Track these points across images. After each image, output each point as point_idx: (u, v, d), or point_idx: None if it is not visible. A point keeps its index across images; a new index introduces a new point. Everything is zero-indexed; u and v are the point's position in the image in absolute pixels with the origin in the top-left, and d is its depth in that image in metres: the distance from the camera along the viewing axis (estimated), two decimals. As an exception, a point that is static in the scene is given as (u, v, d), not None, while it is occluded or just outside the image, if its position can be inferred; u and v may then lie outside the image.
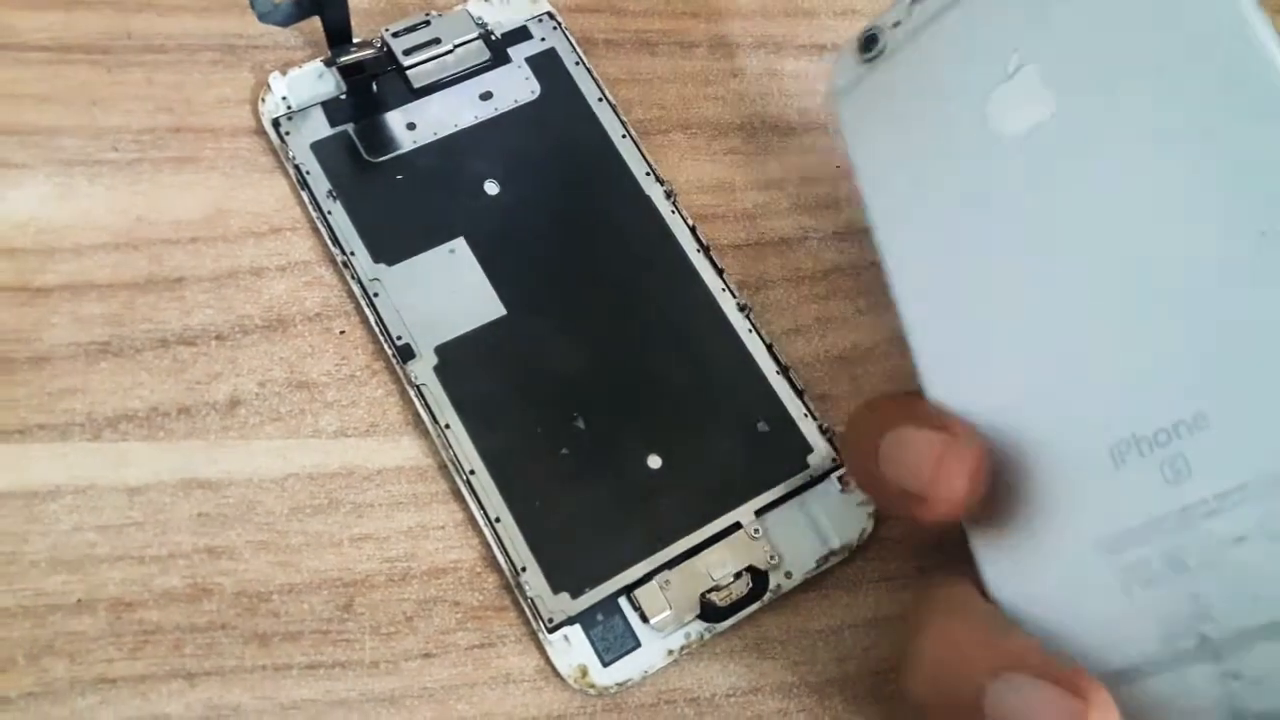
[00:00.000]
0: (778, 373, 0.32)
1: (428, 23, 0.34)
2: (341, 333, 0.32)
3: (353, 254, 0.32)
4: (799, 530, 0.31)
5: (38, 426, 0.30)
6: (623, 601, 0.30)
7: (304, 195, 0.33)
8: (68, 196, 0.32)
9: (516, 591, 0.29)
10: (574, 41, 0.35)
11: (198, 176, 0.33)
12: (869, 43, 0.28)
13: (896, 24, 0.27)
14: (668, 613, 0.29)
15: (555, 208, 0.33)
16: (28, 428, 0.30)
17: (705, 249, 0.33)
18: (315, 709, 0.28)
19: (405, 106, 0.34)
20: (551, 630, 0.29)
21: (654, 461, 0.31)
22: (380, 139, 0.33)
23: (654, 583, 0.30)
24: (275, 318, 0.32)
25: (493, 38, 0.35)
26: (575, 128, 0.34)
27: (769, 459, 0.31)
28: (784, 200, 0.35)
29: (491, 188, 0.33)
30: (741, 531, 0.31)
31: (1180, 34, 0.23)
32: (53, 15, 0.34)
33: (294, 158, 0.33)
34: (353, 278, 0.32)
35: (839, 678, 0.30)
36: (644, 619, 0.29)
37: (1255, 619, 0.22)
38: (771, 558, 0.30)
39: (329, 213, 0.32)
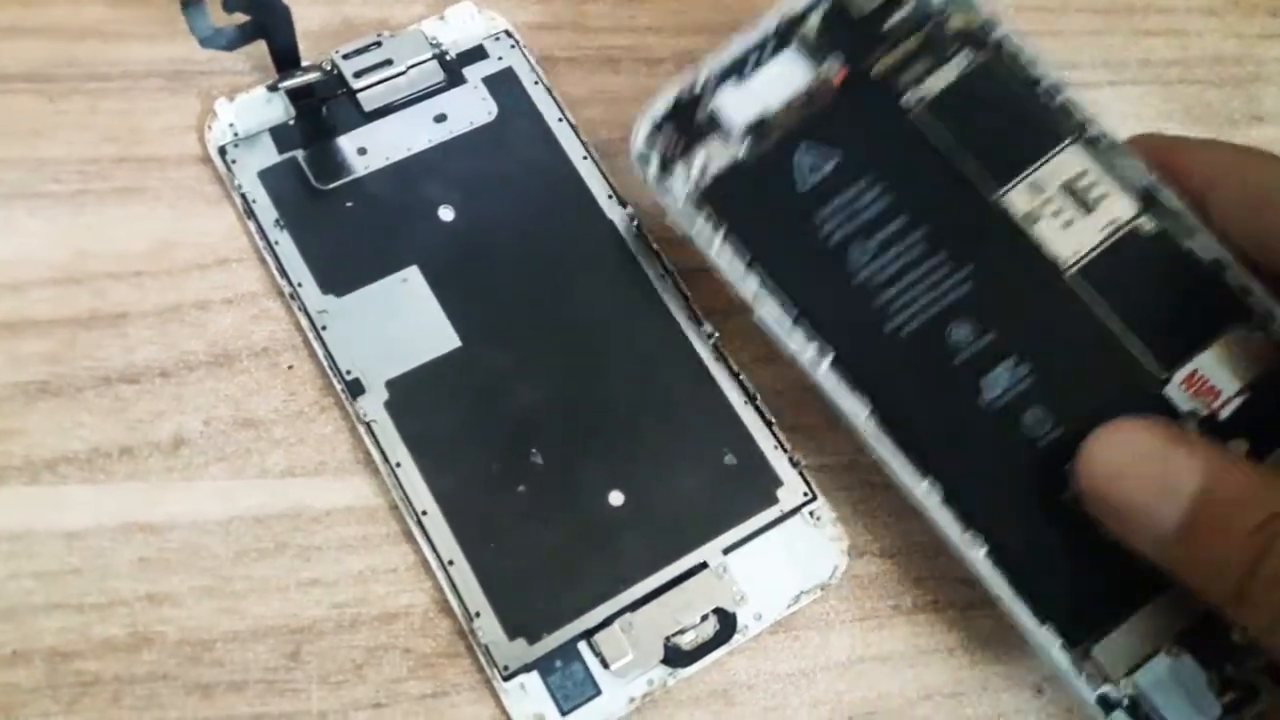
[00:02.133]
0: (746, 403, 0.31)
1: (379, 44, 0.33)
2: (289, 368, 0.31)
3: (300, 285, 0.31)
4: (769, 568, 0.29)
5: (-28, 470, 0.29)
6: (583, 647, 0.28)
7: (251, 225, 0.31)
8: (6, 231, 0.31)
9: (470, 637, 0.28)
10: (533, 60, 0.34)
11: (143, 208, 0.32)
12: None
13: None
14: (630, 657, 0.28)
15: (513, 234, 0.32)
16: (-38, 472, 0.29)
17: (670, 274, 0.32)
18: (259, 764, 0.27)
19: (356, 131, 0.33)
20: (507, 678, 0.28)
21: (615, 498, 0.30)
22: (330, 165, 0.32)
23: (615, 626, 0.28)
24: (221, 353, 0.31)
25: (447, 58, 0.34)
26: (534, 150, 0.33)
27: (736, 494, 0.30)
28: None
29: (446, 214, 0.32)
30: (708, 571, 0.29)
31: None
32: (-6, 43, 0.33)
33: (240, 186, 0.32)
34: (300, 310, 0.31)
35: (811, 724, 0.29)
36: (605, 664, 0.28)
37: None
38: (739, 598, 0.29)
39: (276, 243, 0.31)
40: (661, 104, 0.29)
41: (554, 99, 0.34)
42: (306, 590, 0.29)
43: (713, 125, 0.29)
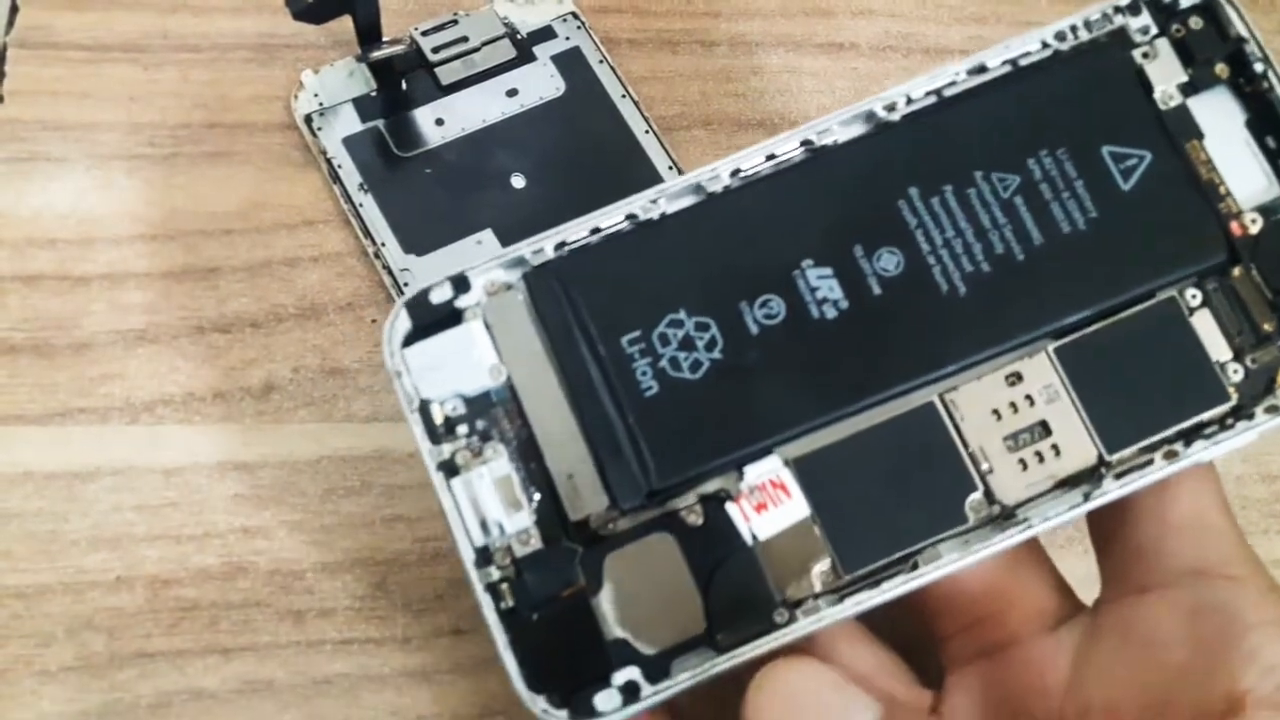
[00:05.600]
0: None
1: (455, 22, 0.35)
2: (373, 321, 0.33)
3: (384, 245, 0.33)
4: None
5: (78, 410, 0.31)
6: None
7: (336, 189, 0.34)
8: (106, 189, 0.33)
9: (544, 571, 0.30)
10: (598, 41, 0.36)
11: (232, 170, 0.34)
12: None
13: None
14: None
15: (580, 201, 0.34)
16: (68, 411, 0.31)
17: (727, 241, 0.34)
18: (348, 683, 0.29)
19: (434, 103, 0.35)
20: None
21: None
22: (409, 134, 0.34)
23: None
24: (308, 306, 0.33)
25: (518, 36, 0.36)
26: (599, 123, 0.35)
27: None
28: (803, 194, 0.36)
29: (518, 181, 0.34)
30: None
31: None
32: (92, 15, 0.35)
33: (326, 152, 0.34)
34: (384, 268, 0.33)
35: None
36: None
37: None
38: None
39: (360, 205, 0.33)
40: None
41: (617, 77, 0.36)
42: (391, 525, 0.31)
43: None
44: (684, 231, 0.24)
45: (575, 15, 0.37)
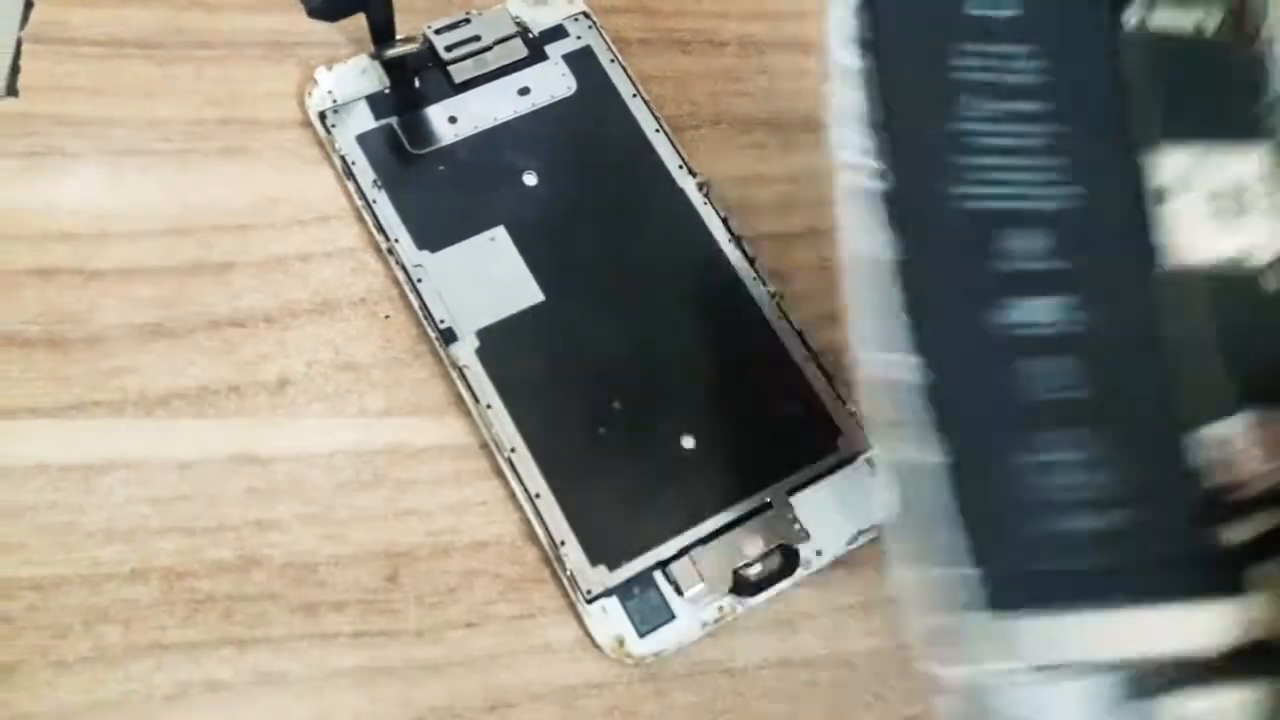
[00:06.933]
0: (808, 358, 0.33)
1: (468, 21, 0.36)
2: (386, 317, 0.33)
3: (397, 241, 0.33)
4: (829, 510, 0.32)
5: (93, 403, 0.31)
6: (658, 575, 0.31)
7: (349, 185, 0.34)
8: (120, 184, 0.33)
9: (555, 564, 0.30)
10: (609, 40, 0.37)
11: (245, 167, 0.34)
12: None
13: None
14: (701, 586, 0.30)
15: (592, 199, 0.35)
16: (83, 404, 0.31)
17: (737, 239, 0.34)
18: (361, 676, 0.29)
19: (446, 101, 0.35)
20: (590, 601, 0.30)
21: (688, 442, 0.32)
22: (423, 132, 0.35)
23: (688, 558, 0.31)
24: (322, 302, 0.33)
25: (530, 36, 0.36)
26: (610, 122, 0.36)
27: (800, 441, 0.32)
28: (812, 192, 0.36)
29: (530, 179, 0.35)
30: (772, 511, 0.31)
31: None
32: (106, 11, 0.35)
33: (340, 149, 0.34)
34: (397, 264, 0.33)
35: (867, 651, 0.31)
36: (679, 592, 0.30)
37: None
38: (802, 535, 0.31)
39: (374, 202, 0.33)
40: None
41: (628, 76, 0.36)
42: (403, 519, 0.31)
43: None
44: None
45: (586, 15, 0.37)
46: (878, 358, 0.23)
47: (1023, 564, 0.23)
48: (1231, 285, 0.25)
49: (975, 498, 0.22)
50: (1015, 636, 0.22)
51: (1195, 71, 0.26)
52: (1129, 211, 0.25)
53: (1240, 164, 0.25)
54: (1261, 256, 0.25)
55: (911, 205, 0.24)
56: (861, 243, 0.24)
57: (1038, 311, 0.24)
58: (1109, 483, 0.23)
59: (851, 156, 0.25)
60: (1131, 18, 0.26)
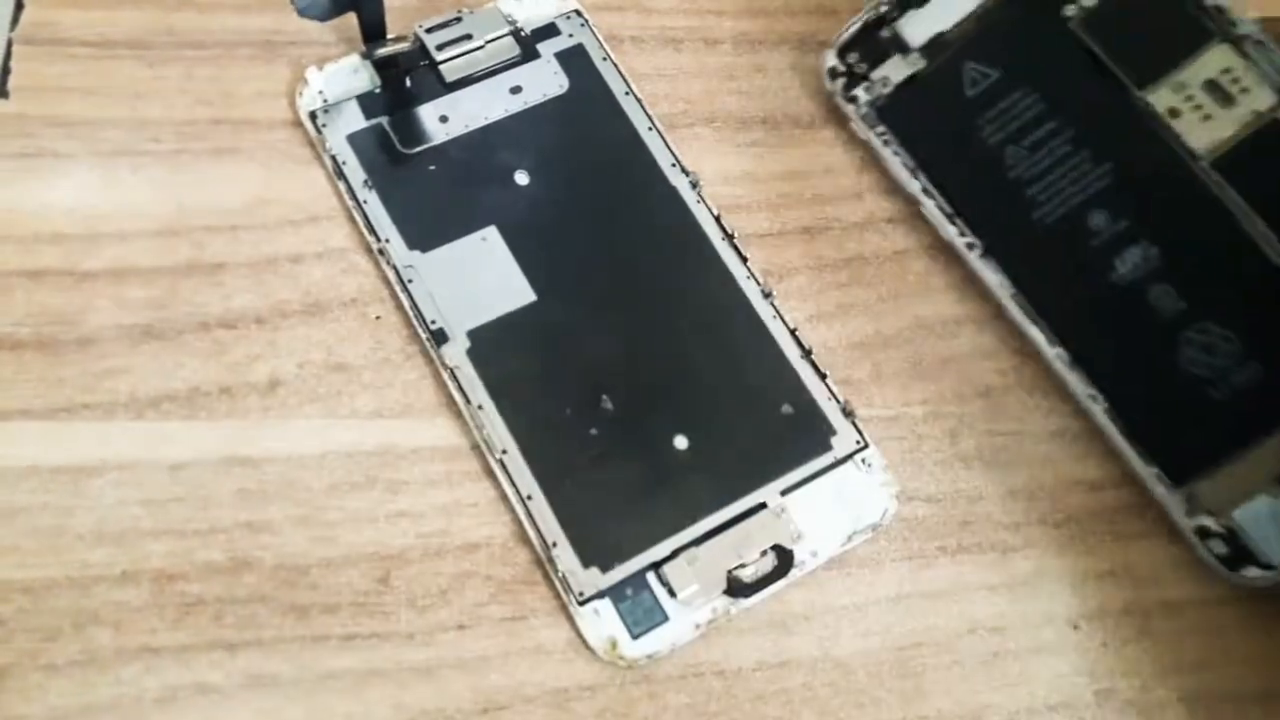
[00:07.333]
0: (801, 358, 0.33)
1: (459, 19, 0.35)
2: (377, 318, 0.33)
3: (387, 241, 0.33)
4: (823, 510, 0.32)
5: (83, 405, 0.31)
6: (651, 577, 0.30)
7: (340, 185, 0.34)
8: (112, 185, 0.33)
9: (548, 566, 0.30)
10: (601, 38, 0.36)
11: (237, 167, 0.34)
12: None
13: None
14: (695, 587, 0.30)
15: (584, 198, 0.34)
16: (74, 406, 0.31)
17: (730, 237, 0.34)
18: (352, 678, 0.29)
19: (437, 100, 0.35)
20: (582, 603, 0.30)
21: (680, 442, 0.32)
22: (414, 131, 0.34)
23: (681, 559, 0.30)
24: (313, 302, 0.33)
25: (522, 34, 0.36)
26: (603, 121, 0.35)
27: (793, 441, 0.32)
28: (806, 191, 0.36)
29: (522, 178, 0.34)
30: (767, 511, 0.31)
31: None
32: (97, 12, 0.35)
33: (330, 149, 0.34)
34: (388, 264, 0.33)
35: (862, 652, 0.31)
36: (672, 594, 0.30)
37: None
38: (796, 536, 0.31)
39: (364, 202, 0.33)
40: (852, 28, 0.35)
41: (620, 74, 0.36)
42: (395, 521, 0.31)
43: (895, 45, 0.34)
44: None
45: (578, 13, 0.37)
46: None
47: None
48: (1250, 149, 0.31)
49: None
50: None
51: (1137, 21, 0.33)
52: (1155, 145, 0.32)
53: (1210, 65, 0.32)
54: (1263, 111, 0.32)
55: (1009, 252, 0.34)
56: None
57: (1136, 256, 0.32)
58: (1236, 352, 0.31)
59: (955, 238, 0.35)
60: (1071, 8, 0.34)
